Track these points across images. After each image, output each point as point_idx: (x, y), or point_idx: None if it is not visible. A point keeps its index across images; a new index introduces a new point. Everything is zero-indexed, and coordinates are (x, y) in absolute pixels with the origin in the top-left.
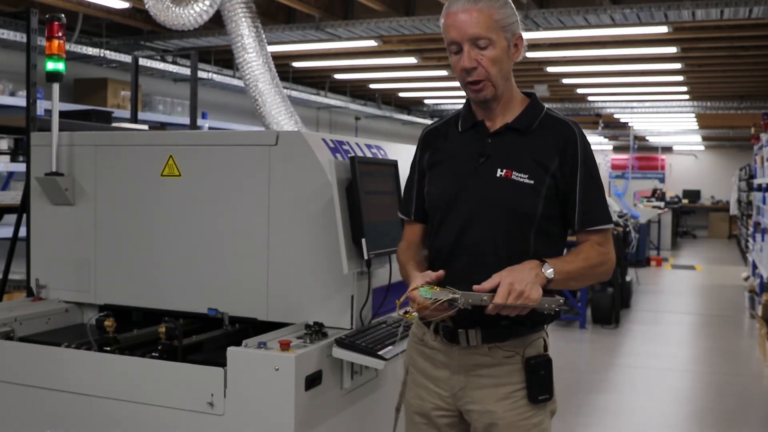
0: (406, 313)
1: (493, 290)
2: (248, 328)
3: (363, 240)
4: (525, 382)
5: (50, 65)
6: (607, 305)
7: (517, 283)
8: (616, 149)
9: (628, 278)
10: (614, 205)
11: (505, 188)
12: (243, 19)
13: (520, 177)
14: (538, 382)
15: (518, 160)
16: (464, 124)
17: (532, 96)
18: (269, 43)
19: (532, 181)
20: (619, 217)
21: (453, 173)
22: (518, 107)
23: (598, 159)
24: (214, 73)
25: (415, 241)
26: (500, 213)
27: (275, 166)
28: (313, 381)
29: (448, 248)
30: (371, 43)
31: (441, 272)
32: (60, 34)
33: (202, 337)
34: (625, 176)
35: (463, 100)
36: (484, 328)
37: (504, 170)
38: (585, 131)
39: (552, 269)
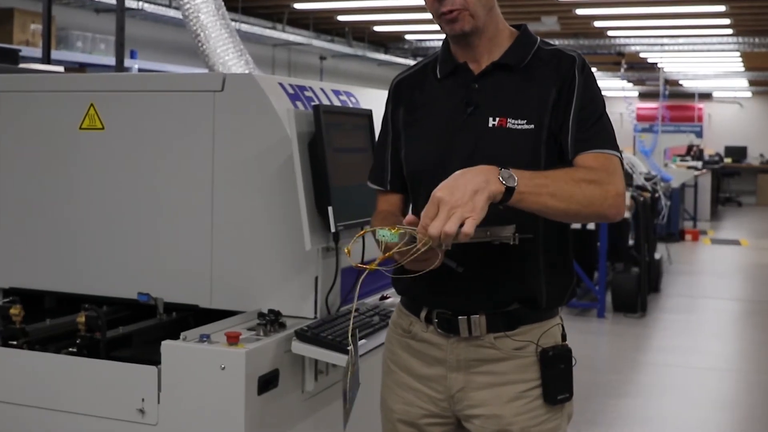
0: (367, 262)
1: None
2: (188, 318)
3: (329, 208)
4: (540, 379)
5: None
6: (632, 289)
7: (449, 196)
8: (643, 96)
9: (657, 256)
10: (640, 166)
11: (501, 140)
12: None
13: (517, 123)
14: (557, 378)
15: (512, 104)
16: (443, 69)
17: (522, 27)
18: None
19: (531, 126)
20: (647, 180)
21: (436, 131)
22: (506, 42)
23: (620, 108)
24: (145, 2)
25: (393, 212)
26: None
27: (221, 117)
28: (267, 383)
29: None
30: None
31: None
32: None
33: (130, 329)
34: (653, 130)
35: None
36: (490, 313)
37: (497, 118)
38: (605, 74)
39: (515, 177)
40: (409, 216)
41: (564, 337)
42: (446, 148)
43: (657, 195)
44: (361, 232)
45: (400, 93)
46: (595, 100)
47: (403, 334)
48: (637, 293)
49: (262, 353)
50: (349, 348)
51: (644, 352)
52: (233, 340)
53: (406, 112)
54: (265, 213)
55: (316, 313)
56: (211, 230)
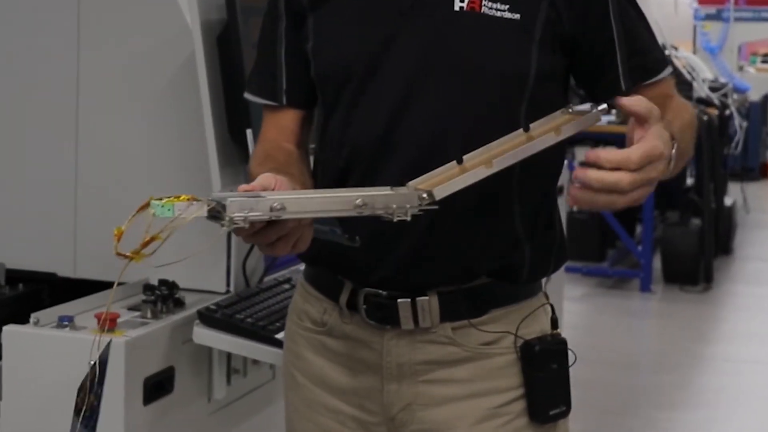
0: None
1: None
2: (41, 291)
3: (248, 131)
4: (524, 387)
5: None
6: (691, 250)
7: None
8: None
9: (728, 201)
10: (703, 70)
11: (472, 30)
12: None
13: (496, 8)
14: (548, 383)
15: None
16: None
17: None
18: None
19: (517, 15)
20: (713, 90)
21: (368, 13)
22: None
23: None
24: None
25: (283, 144)
26: (466, 77)
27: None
28: (158, 386)
29: (372, 147)
30: None
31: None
32: None
33: None
34: (722, 17)
35: None
36: (444, 292)
37: None
38: None
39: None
40: (244, 185)
41: (555, 323)
42: (387, 39)
43: (728, 112)
44: (141, 206)
45: None
46: None
47: (312, 329)
48: (698, 256)
49: (150, 344)
50: None
51: (708, 342)
52: (108, 324)
53: None
54: (153, 140)
55: (228, 285)
56: (74, 167)
